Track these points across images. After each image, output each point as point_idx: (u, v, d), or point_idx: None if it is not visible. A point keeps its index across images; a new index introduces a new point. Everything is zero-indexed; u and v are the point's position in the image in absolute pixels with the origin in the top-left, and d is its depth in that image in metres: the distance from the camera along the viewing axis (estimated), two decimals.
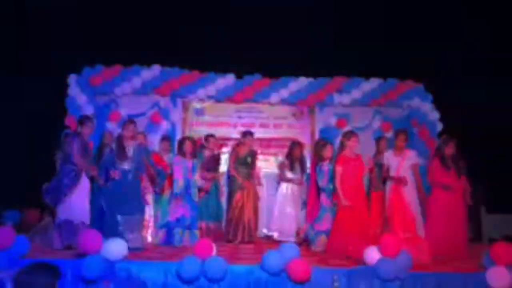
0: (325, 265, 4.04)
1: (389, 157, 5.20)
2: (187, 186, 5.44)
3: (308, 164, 6.75)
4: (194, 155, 5.62)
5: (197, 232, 5.41)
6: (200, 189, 5.66)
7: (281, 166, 6.30)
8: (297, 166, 6.13)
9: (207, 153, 6.19)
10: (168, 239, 5.37)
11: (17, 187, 7.14)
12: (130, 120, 5.13)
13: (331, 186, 5.13)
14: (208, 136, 6.31)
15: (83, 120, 4.92)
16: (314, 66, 7.68)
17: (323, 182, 5.26)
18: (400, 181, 5.02)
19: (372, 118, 7.49)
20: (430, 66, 7.72)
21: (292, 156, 6.13)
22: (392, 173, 5.11)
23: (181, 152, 5.57)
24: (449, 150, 5.00)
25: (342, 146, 4.97)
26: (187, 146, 5.55)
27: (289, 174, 6.09)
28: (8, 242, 3.72)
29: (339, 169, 4.84)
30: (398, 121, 7.23)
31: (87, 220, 4.74)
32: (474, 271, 3.87)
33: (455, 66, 7.81)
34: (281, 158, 6.79)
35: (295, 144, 6.26)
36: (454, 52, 7.95)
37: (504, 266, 3.67)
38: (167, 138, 6.37)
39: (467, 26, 7.79)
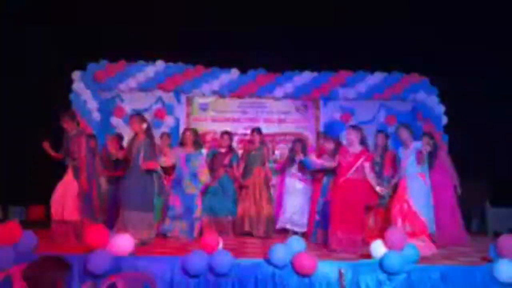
0: (331, 258, 4.05)
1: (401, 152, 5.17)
2: (179, 177, 5.37)
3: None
4: (195, 146, 5.53)
5: (186, 224, 5.24)
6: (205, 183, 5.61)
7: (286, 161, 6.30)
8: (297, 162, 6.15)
9: (221, 149, 6.20)
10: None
11: (22, 184, 7.18)
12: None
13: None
14: (224, 133, 6.26)
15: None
16: (319, 60, 7.66)
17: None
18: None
19: (377, 112, 7.47)
20: (437, 60, 7.67)
21: (294, 152, 6.17)
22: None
23: (179, 142, 5.59)
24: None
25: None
26: (186, 137, 5.52)
27: (292, 170, 6.11)
28: (15, 237, 3.75)
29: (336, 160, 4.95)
30: (403, 114, 7.20)
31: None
32: (480, 264, 3.88)
33: (461, 60, 7.76)
34: (277, 152, 6.86)
35: (297, 141, 6.33)
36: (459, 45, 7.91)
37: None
38: (166, 134, 6.36)
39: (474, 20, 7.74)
